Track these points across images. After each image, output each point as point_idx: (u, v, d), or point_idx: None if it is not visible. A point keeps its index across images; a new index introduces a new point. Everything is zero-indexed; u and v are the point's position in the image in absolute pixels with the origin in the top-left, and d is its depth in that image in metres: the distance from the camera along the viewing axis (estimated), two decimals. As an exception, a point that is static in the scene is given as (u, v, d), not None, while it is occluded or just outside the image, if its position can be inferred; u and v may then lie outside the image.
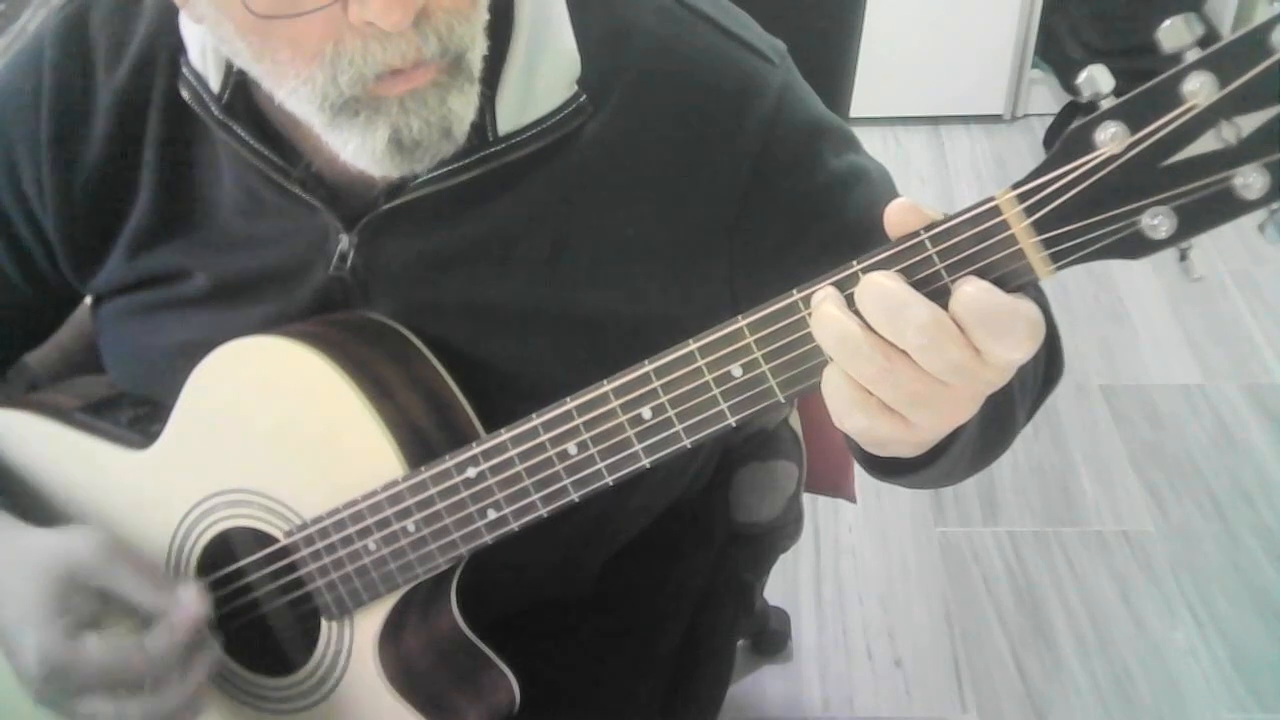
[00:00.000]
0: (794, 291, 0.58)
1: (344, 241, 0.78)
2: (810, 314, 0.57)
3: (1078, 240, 0.52)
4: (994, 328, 0.52)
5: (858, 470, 1.33)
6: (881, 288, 0.54)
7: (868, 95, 1.53)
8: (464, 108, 0.70)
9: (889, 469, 0.68)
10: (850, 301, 0.55)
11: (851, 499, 1.36)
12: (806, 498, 1.26)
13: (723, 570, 1.11)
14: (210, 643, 0.79)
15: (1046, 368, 0.79)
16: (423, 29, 0.65)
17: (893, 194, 0.80)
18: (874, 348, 0.54)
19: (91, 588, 0.76)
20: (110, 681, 0.74)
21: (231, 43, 0.69)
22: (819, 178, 0.78)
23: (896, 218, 0.55)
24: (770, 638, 1.71)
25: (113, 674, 0.74)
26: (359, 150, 0.69)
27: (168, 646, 0.75)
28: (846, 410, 0.56)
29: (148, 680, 0.75)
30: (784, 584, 1.82)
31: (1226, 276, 2.36)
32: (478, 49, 0.70)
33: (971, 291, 0.52)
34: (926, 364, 0.53)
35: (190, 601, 0.76)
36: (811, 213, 0.78)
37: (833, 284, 0.56)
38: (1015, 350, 0.53)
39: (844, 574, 1.85)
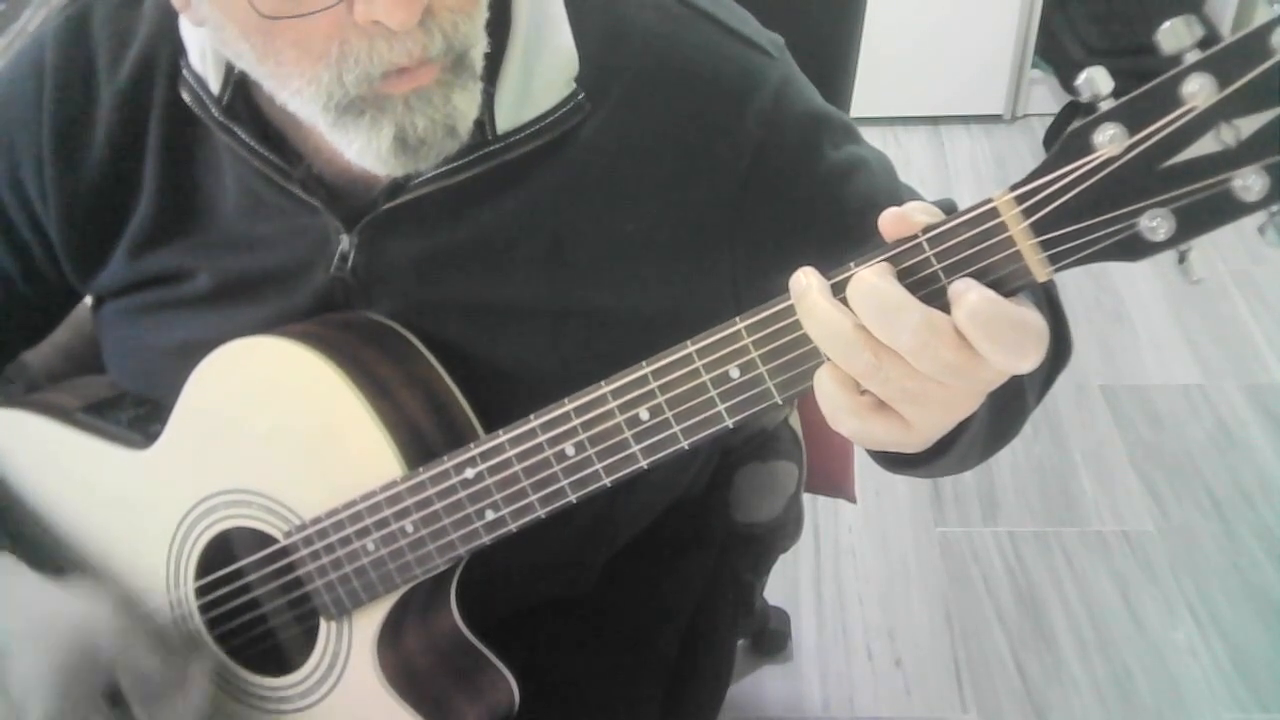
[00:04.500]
0: (793, 294, 0.58)
1: (344, 242, 0.78)
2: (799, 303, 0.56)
3: (1076, 242, 0.51)
4: (998, 339, 0.51)
5: (858, 470, 1.33)
6: (873, 287, 0.53)
7: (868, 95, 1.52)
8: (468, 105, 0.70)
9: (899, 461, 0.67)
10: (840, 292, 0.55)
11: (851, 499, 1.36)
12: (806, 498, 1.26)
13: (723, 570, 1.11)
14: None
15: (1055, 344, 0.78)
16: (428, 27, 0.65)
17: (893, 182, 0.80)
18: (864, 345, 0.53)
19: (104, 668, 0.75)
20: None
21: (234, 45, 0.69)
22: (819, 169, 0.78)
23: (888, 227, 0.55)
24: (770, 638, 1.71)
25: None
26: (364, 150, 0.69)
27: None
28: (840, 415, 0.56)
29: None
30: (784, 584, 1.81)
31: (1226, 277, 2.36)
32: (480, 46, 0.70)
33: (975, 300, 0.51)
34: (919, 365, 0.53)
35: (203, 679, 0.77)
36: (812, 204, 0.78)
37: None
38: (1021, 362, 0.52)
39: (844, 574, 1.85)
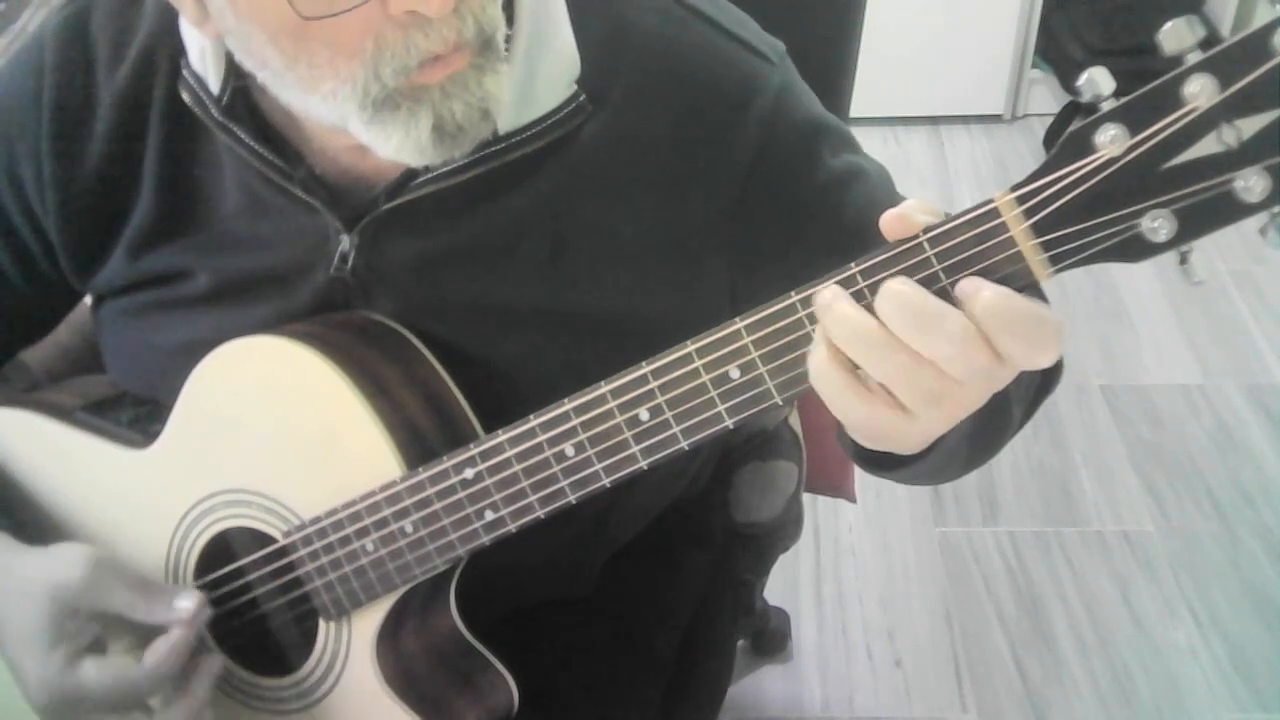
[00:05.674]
0: (792, 293, 0.58)
1: (345, 242, 0.78)
2: (814, 312, 0.56)
3: (1077, 243, 0.51)
4: (1020, 334, 0.52)
5: (858, 470, 1.33)
6: (908, 298, 0.53)
7: (868, 95, 1.52)
8: (498, 88, 0.70)
9: (881, 463, 0.67)
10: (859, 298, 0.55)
11: (851, 499, 1.36)
12: (806, 498, 1.26)
13: (723, 570, 1.11)
14: (213, 652, 0.79)
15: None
16: (460, 12, 0.66)
17: (891, 193, 0.80)
18: (898, 349, 0.53)
19: (85, 611, 0.75)
20: (114, 704, 0.74)
21: (260, 52, 0.68)
22: (817, 177, 0.78)
23: (889, 228, 0.55)
24: (770, 638, 1.71)
25: (116, 697, 0.74)
26: (402, 144, 0.68)
27: (168, 661, 0.75)
28: (844, 405, 0.56)
29: (153, 697, 0.75)
30: (784, 584, 1.81)
31: (1227, 277, 2.36)
32: (502, 30, 0.70)
33: (990, 297, 0.52)
34: (951, 369, 0.53)
35: (188, 611, 0.76)
36: (809, 212, 0.78)
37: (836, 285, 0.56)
38: (1042, 356, 0.52)
39: (844, 574, 1.85)
